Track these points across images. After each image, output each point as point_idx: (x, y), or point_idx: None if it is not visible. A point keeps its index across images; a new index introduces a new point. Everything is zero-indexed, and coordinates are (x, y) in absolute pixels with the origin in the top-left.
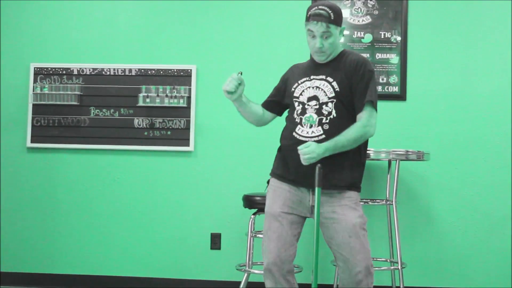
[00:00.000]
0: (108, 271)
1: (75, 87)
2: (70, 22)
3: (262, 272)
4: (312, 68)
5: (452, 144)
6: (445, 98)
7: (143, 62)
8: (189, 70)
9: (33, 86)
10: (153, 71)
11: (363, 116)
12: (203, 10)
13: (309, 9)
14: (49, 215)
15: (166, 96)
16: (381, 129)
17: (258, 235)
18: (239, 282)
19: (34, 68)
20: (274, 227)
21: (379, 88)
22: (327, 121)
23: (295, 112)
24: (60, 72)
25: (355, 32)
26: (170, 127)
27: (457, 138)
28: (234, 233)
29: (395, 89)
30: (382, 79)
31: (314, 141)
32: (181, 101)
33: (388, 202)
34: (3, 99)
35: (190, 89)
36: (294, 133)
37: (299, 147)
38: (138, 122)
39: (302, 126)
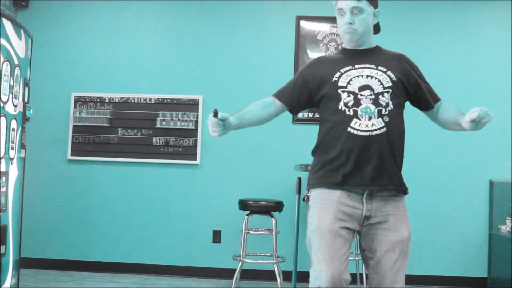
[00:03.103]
0: (129, 259)
1: (106, 112)
2: (103, 60)
3: None
4: (352, 57)
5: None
6: None
7: (160, 92)
8: (197, 100)
9: (73, 110)
10: (168, 100)
11: (440, 105)
12: (208, 52)
13: None
14: (83, 212)
15: (179, 120)
16: None
17: (250, 232)
18: (235, 270)
19: (74, 96)
20: (326, 245)
21: None
22: (386, 112)
23: (343, 104)
24: (95, 100)
25: None
26: (181, 145)
27: (412, 157)
28: (231, 230)
29: None
30: None
31: (376, 134)
32: (190, 124)
33: None
34: (50, 121)
35: (197, 115)
36: (349, 129)
37: (483, 109)
38: (156, 141)
39: (359, 119)
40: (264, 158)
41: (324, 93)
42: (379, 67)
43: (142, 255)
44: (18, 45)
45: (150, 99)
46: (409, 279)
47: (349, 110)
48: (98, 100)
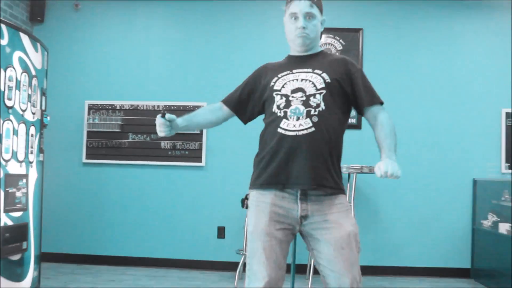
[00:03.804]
0: (141, 253)
1: (118, 118)
2: (114, 70)
3: None
4: (293, 63)
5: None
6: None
7: (167, 100)
8: (202, 106)
9: (87, 117)
10: (175, 107)
11: (380, 111)
12: (212, 62)
13: None
14: (98, 211)
15: None
16: (344, 149)
17: None
18: (238, 263)
19: (88, 104)
20: (262, 248)
21: None
22: (316, 113)
23: (276, 106)
24: (107, 107)
25: None
26: (188, 148)
27: (399, 157)
28: (234, 226)
29: (353, 120)
30: None
31: (303, 134)
32: (196, 129)
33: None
34: (65, 127)
35: None
36: (278, 129)
37: (382, 174)
38: (163, 145)
39: (288, 120)
40: None
41: (265, 99)
42: (315, 70)
43: (153, 250)
44: (35, 58)
45: (158, 106)
46: (398, 271)
47: (280, 112)
48: (110, 107)
